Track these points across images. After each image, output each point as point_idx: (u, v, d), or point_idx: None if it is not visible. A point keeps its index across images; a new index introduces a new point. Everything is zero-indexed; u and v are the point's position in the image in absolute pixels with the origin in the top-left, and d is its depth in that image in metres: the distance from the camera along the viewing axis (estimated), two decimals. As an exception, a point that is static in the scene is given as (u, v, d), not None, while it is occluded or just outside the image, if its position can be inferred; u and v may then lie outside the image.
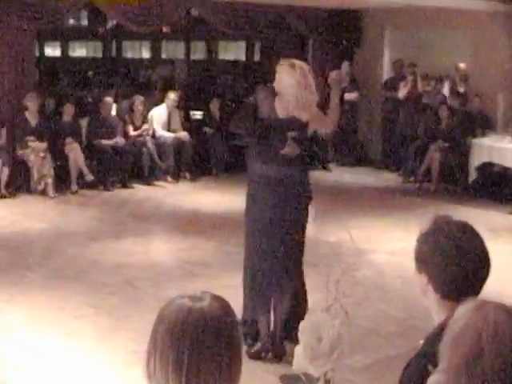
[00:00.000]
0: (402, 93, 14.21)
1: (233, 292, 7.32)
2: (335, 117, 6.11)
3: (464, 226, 2.65)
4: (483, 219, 10.43)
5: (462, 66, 14.12)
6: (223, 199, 11.94)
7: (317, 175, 14.16)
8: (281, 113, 5.83)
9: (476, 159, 12.39)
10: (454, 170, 12.99)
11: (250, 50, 18.88)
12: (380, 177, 14.27)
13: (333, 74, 6.06)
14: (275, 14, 14.57)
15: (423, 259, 2.64)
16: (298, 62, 5.86)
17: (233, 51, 19.94)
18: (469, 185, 12.54)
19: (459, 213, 10.98)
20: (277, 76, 5.84)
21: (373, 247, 9.25)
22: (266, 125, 5.80)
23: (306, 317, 3.37)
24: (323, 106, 6.39)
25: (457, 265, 2.55)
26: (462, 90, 14.02)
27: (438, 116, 13.34)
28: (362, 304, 7.31)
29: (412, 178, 13.57)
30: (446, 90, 14.42)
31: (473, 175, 12.49)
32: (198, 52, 19.94)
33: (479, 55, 13.97)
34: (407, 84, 14.27)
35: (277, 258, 5.81)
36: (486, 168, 12.42)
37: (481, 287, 2.61)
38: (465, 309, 1.99)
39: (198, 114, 15.03)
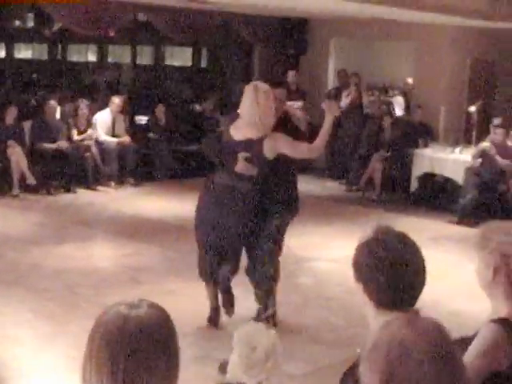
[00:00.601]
0: (344, 102, 14.33)
1: (176, 298, 7.37)
2: (320, 145, 6.35)
3: (401, 237, 2.68)
4: (424, 228, 10.60)
5: (409, 80, 14.33)
6: (167, 205, 11.92)
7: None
8: (236, 135, 6.22)
9: (417, 169, 12.62)
10: (396, 179, 13.16)
11: (196, 56, 18.86)
12: (323, 185, 14.35)
13: (328, 104, 6.52)
14: (222, 20, 14.60)
15: (359, 268, 2.67)
16: (260, 85, 6.24)
17: (179, 57, 19.89)
18: (410, 194, 12.74)
19: (401, 221, 11.13)
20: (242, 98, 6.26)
21: (314, 255, 9.32)
22: (224, 148, 6.34)
23: (241, 326, 3.40)
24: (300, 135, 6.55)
25: (391, 274, 2.57)
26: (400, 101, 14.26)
27: (381, 126, 13.49)
28: (302, 311, 7.37)
29: (355, 187, 13.68)
30: (399, 103, 14.60)
31: (414, 185, 12.72)
32: (145, 57, 19.84)
33: (423, 67, 14.16)
34: (350, 93, 14.40)
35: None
36: (428, 178, 12.66)
37: (416, 298, 2.64)
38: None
39: (143, 119, 14.96)
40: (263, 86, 6.24)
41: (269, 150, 6.17)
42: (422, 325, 1.88)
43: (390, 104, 14.39)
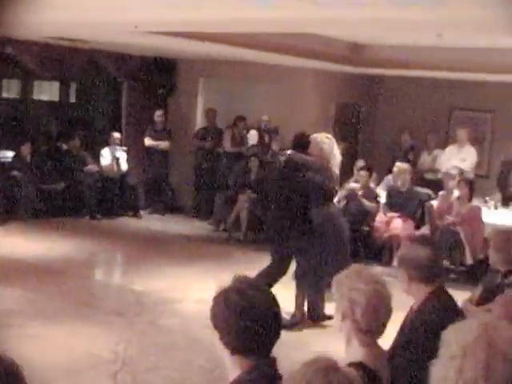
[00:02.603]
0: (226, 145, 14.47)
1: (40, 342, 7.22)
2: None
3: (256, 285, 2.75)
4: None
5: (264, 117, 14.51)
6: (31, 245, 11.60)
7: (127, 222, 14.14)
8: None
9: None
10: (262, 219, 13.30)
11: (64, 91, 18.60)
12: (191, 225, 14.35)
13: None
14: (90, 57, 14.51)
15: (214, 317, 2.72)
16: None
17: (47, 91, 19.57)
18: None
19: (265, 261, 11.25)
20: None
21: (181, 296, 9.31)
22: None
23: None
24: None
25: (243, 322, 2.62)
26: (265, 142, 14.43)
27: (248, 166, 13.66)
28: (168, 353, 7.34)
29: (222, 227, 13.78)
30: (253, 136, 14.74)
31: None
32: (11, 90, 19.43)
33: (290, 109, 14.42)
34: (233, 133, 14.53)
35: None
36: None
37: (271, 344, 2.70)
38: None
39: (8, 155, 14.60)
40: None
41: None
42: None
43: (257, 145, 14.55)
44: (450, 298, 4.39)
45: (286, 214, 8.18)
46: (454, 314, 3.98)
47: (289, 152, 8.41)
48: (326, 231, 8.18)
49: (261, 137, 14.55)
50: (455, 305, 4.41)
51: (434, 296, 4.24)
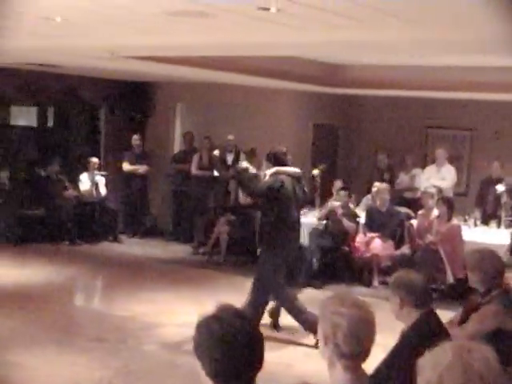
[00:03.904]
0: (193, 168, 14.43)
1: (19, 369, 7.16)
2: None
3: (239, 314, 2.73)
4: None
5: (230, 137, 14.46)
6: (9, 271, 11.51)
7: (106, 247, 14.08)
8: None
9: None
10: (242, 241, 13.30)
11: (42, 116, 18.54)
12: (170, 249, 14.31)
13: None
14: (66, 82, 14.51)
15: (197, 346, 2.69)
16: None
17: (25, 116, 19.50)
18: (256, 256, 12.83)
19: (247, 283, 11.22)
20: None
21: (162, 320, 9.26)
22: None
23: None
24: None
25: (225, 351, 2.59)
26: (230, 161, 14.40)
27: (227, 189, 13.66)
28: (150, 379, 7.30)
29: (201, 250, 13.74)
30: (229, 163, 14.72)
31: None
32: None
33: (267, 130, 14.46)
34: (201, 157, 14.48)
35: None
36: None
37: (253, 373, 2.68)
38: None
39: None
40: None
41: None
42: None
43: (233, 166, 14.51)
44: (439, 322, 4.40)
45: None
46: (442, 338, 3.98)
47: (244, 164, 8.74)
48: None
49: (221, 157, 14.53)
50: (444, 329, 4.43)
51: (423, 320, 4.25)
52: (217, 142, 15.12)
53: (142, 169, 14.94)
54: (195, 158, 14.56)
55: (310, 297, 10.19)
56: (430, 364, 2.12)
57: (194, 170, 14.47)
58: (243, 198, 9.32)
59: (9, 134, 17.32)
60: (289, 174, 8.45)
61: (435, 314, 4.43)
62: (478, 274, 5.25)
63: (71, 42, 8.24)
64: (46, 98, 14.86)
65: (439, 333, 4.20)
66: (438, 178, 13.15)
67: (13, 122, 18.45)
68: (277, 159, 8.54)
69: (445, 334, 4.30)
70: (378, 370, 4.17)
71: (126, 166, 14.89)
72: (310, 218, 12.31)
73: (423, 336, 4.08)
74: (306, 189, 8.79)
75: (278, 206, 8.29)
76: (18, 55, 10.65)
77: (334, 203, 12.27)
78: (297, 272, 10.84)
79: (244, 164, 8.74)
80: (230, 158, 14.34)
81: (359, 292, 10.77)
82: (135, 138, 15.00)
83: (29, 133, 17.85)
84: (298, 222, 8.63)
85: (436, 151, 13.64)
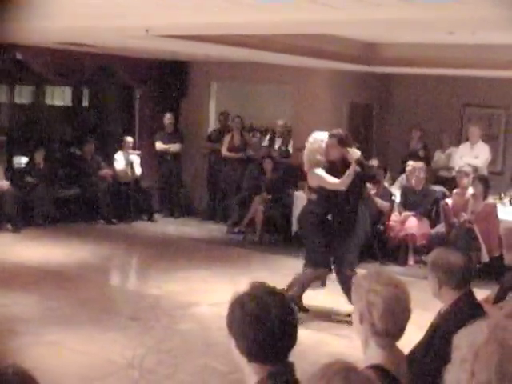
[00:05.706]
0: (224, 149, 14.42)
1: (57, 349, 7.23)
2: (345, 181, 8.25)
3: (272, 292, 2.72)
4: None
5: (280, 122, 14.48)
6: (46, 251, 11.61)
7: (141, 226, 14.15)
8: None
9: (298, 211, 12.71)
10: (277, 220, 13.30)
11: (77, 96, 18.64)
12: (205, 228, 14.34)
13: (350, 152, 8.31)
14: (101, 62, 14.53)
15: (230, 324, 2.69)
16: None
17: (60, 96, 19.61)
18: (291, 235, 12.84)
19: (281, 262, 11.26)
20: None
21: (197, 299, 9.29)
22: None
23: None
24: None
25: (259, 329, 2.60)
26: (278, 144, 14.41)
27: (262, 168, 13.65)
28: (185, 358, 7.32)
29: (237, 229, 13.76)
30: (265, 143, 14.73)
31: (295, 226, 12.81)
32: (24, 96, 19.47)
33: (302, 110, 14.42)
34: (232, 136, 14.48)
35: None
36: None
37: (287, 350, 2.68)
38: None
39: (22, 162, 14.64)
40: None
41: (310, 180, 8.64)
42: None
43: (270, 146, 14.53)
44: (477, 302, 4.36)
45: None
46: (480, 318, 3.95)
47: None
48: None
49: (271, 139, 14.54)
50: (482, 309, 4.39)
51: (462, 301, 4.22)
52: (251, 121, 15.14)
53: (173, 147, 14.94)
54: (226, 139, 14.54)
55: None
56: (465, 341, 2.10)
57: (224, 152, 14.45)
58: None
59: (44, 114, 17.45)
60: None
61: (474, 296, 4.39)
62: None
63: (108, 22, 8.24)
64: (82, 78, 14.90)
65: (478, 313, 4.17)
66: (471, 156, 13.02)
67: (48, 102, 18.57)
68: (349, 141, 8.62)
69: (483, 314, 4.26)
70: (416, 349, 4.15)
71: (159, 145, 14.92)
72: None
73: (462, 316, 4.04)
74: None
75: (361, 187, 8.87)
76: (54, 35, 10.69)
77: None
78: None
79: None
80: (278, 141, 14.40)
81: (394, 271, 10.70)
82: (167, 117, 14.99)
83: (64, 113, 17.98)
84: None
85: (469, 129, 13.50)
